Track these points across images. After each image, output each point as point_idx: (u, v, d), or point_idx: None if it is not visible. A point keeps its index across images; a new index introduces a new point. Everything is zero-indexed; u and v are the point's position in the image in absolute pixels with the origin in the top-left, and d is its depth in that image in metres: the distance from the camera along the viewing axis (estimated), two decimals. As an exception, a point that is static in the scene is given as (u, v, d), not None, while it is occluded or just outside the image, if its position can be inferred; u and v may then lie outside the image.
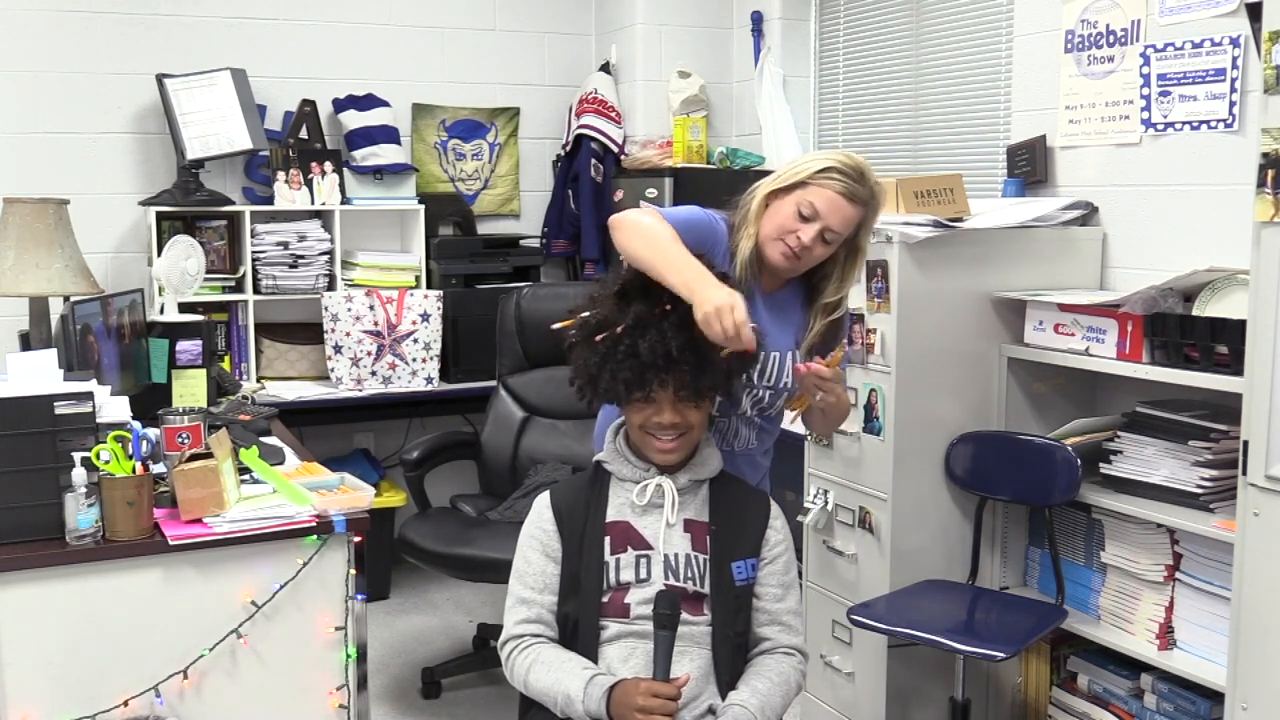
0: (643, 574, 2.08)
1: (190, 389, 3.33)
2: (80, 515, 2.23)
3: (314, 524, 2.38)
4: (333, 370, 4.41)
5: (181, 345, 3.34)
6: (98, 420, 2.32)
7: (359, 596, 2.46)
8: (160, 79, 4.35)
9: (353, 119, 4.65)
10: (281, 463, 2.88)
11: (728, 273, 2.18)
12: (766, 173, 4.72)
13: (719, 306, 1.97)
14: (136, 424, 2.40)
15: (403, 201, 4.65)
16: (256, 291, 4.42)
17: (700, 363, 2.03)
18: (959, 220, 3.03)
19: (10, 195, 3.43)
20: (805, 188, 2.19)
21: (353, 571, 2.43)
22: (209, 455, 2.36)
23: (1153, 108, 3.05)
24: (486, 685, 3.77)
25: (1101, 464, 2.87)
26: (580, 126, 4.88)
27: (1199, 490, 2.64)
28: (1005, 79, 3.63)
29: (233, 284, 4.46)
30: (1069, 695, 2.98)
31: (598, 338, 2.07)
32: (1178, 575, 2.70)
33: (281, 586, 2.36)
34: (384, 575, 4.56)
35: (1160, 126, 3.04)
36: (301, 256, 4.45)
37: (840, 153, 2.24)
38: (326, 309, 4.38)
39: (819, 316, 2.31)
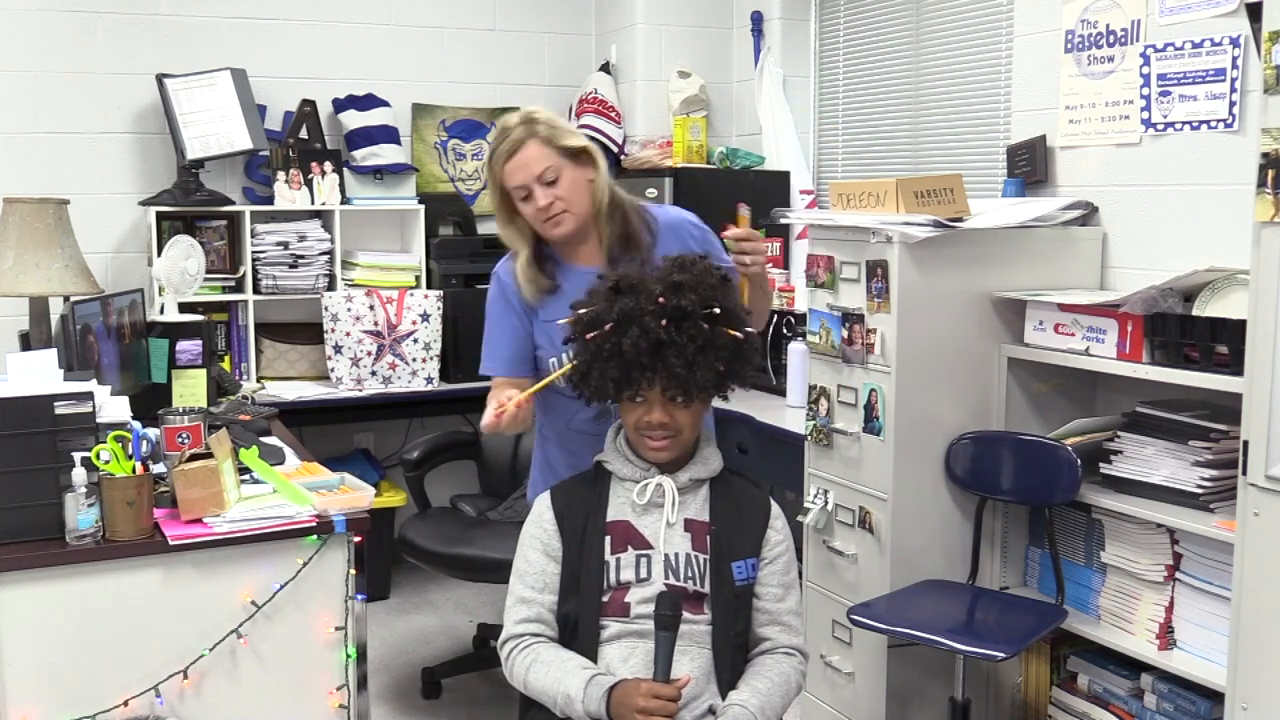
0: (643, 573, 2.08)
1: (190, 389, 3.34)
2: (80, 515, 2.23)
3: (314, 524, 2.38)
4: (333, 370, 4.41)
5: (181, 345, 3.34)
6: (98, 420, 2.32)
7: (359, 596, 2.46)
8: (160, 79, 4.35)
9: (353, 119, 4.65)
10: (281, 463, 2.88)
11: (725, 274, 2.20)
12: (767, 173, 4.73)
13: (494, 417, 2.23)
14: (136, 424, 2.40)
15: (403, 201, 4.65)
16: (256, 291, 4.42)
17: (689, 361, 2.03)
18: (959, 220, 3.03)
19: (10, 195, 3.44)
20: (502, 186, 2.37)
21: (353, 571, 2.43)
22: (209, 455, 2.36)
23: (1153, 108, 3.05)
24: (486, 685, 3.77)
25: (1101, 464, 2.87)
26: (580, 126, 4.88)
27: (1199, 490, 2.64)
28: (1005, 79, 3.63)
29: (233, 284, 4.46)
30: (1069, 695, 2.98)
31: (589, 335, 2.07)
32: (1178, 575, 2.70)
33: (281, 586, 2.36)
34: (384, 575, 4.56)
35: (1160, 126, 3.04)
36: (301, 256, 4.46)
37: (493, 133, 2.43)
38: (326, 309, 4.39)
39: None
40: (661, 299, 2.03)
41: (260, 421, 3.29)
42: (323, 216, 4.56)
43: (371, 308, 4.39)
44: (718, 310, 2.06)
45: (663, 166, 4.62)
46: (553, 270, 2.43)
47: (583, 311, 2.12)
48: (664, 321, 2.01)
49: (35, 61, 4.34)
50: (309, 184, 4.50)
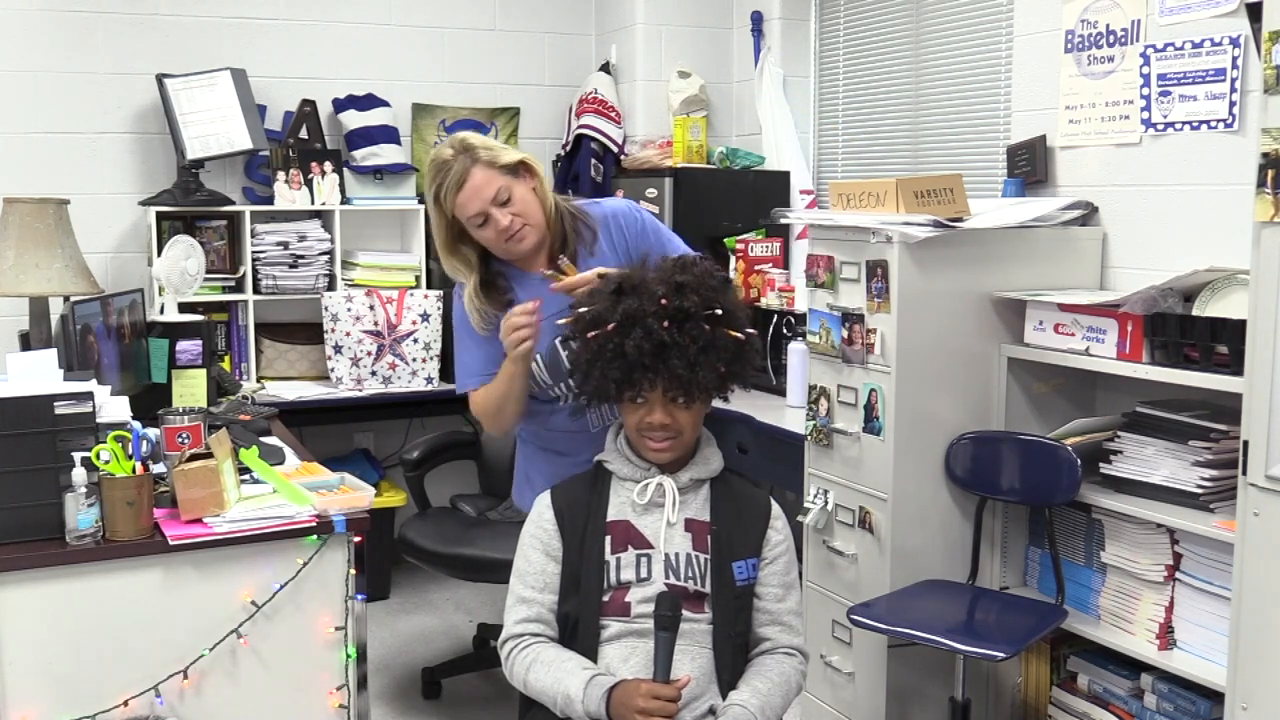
0: (643, 573, 2.08)
1: (190, 389, 3.34)
2: (80, 515, 2.23)
3: (314, 524, 2.38)
4: (333, 370, 4.41)
5: (181, 345, 3.34)
6: (98, 420, 2.32)
7: (359, 596, 2.46)
8: (160, 79, 4.35)
9: (353, 119, 4.65)
10: (281, 463, 2.88)
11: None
12: (767, 173, 4.72)
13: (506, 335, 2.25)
14: (136, 424, 2.40)
15: (403, 201, 4.65)
16: (256, 291, 4.42)
17: (690, 362, 2.03)
18: (959, 220, 3.03)
19: (10, 195, 3.44)
20: (455, 217, 2.35)
21: (353, 571, 2.43)
22: (209, 455, 2.36)
23: (1153, 108, 3.05)
24: (486, 685, 3.77)
25: (1101, 464, 2.87)
26: (580, 126, 4.88)
27: (1199, 490, 2.64)
28: (1005, 79, 3.63)
29: (233, 284, 4.46)
30: (1069, 695, 2.98)
31: (590, 334, 2.07)
32: (1178, 575, 2.70)
33: (281, 586, 2.36)
34: (384, 575, 4.56)
35: (1160, 126, 3.04)
36: (301, 256, 4.46)
37: (429, 170, 2.38)
38: (326, 309, 4.39)
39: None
40: (664, 300, 2.03)
41: (260, 421, 3.29)
42: (323, 216, 4.56)
43: (371, 308, 4.39)
44: (719, 311, 2.06)
45: (663, 166, 4.61)
46: (505, 284, 2.43)
47: (583, 310, 2.12)
48: (666, 323, 2.01)
49: (35, 61, 4.34)
50: (309, 184, 4.50)
